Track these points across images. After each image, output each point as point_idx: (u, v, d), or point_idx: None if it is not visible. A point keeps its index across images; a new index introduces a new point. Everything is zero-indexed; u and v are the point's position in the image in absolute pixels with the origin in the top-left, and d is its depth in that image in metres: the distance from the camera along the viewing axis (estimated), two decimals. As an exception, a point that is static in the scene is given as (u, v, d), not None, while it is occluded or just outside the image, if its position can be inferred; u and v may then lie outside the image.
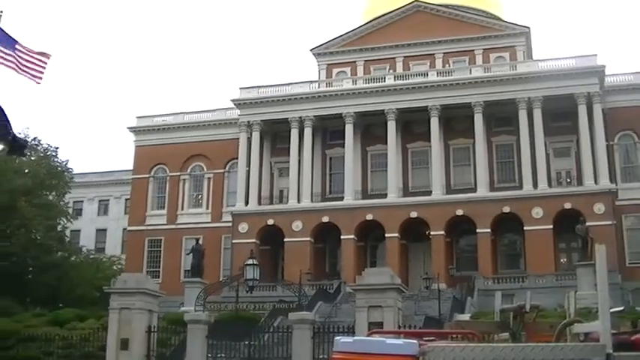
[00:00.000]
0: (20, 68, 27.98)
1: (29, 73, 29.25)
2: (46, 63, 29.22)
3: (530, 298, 21.35)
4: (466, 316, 57.55)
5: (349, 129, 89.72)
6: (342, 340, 11.72)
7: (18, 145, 31.04)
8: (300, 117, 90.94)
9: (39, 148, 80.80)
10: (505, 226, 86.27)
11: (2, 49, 25.08)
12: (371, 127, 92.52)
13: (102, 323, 43.68)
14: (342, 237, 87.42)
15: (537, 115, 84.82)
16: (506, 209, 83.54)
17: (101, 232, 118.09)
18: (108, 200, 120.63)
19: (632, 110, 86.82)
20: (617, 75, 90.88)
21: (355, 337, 13.36)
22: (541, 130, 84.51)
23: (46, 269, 71.27)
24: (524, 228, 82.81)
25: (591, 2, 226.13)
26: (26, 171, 75.63)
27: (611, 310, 14.77)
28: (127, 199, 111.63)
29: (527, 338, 19.96)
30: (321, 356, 36.45)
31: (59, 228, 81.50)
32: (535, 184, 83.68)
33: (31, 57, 28.40)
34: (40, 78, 29.86)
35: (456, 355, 8.35)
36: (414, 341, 11.69)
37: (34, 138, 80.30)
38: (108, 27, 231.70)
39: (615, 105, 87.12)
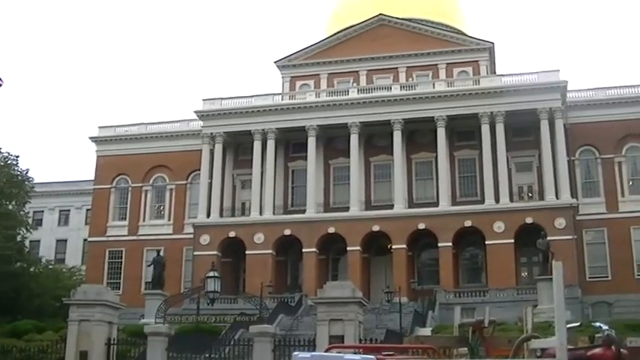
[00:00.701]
0: None
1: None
2: None
3: (489, 312, 21.47)
4: (427, 330, 57.65)
5: (312, 142, 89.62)
6: (299, 356, 11.70)
7: None
8: (263, 129, 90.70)
9: (-1, 156, 79.92)
10: (467, 240, 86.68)
11: None
12: (334, 140, 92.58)
13: (61, 335, 43.41)
14: (303, 250, 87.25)
15: (500, 129, 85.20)
16: (468, 223, 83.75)
17: (61, 243, 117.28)
18: (69, 210, 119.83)
19: (593, 126, 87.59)
20: (578, 91, 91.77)
21: (313, 353, 13.39)
22: (503, 145, 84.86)
23: (5, 280, 70.43)
24: (486, 242, 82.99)
25: (555, 19, 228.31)
26: (-15, 180, 74.81)
27: (568, 326, 14.91)
28: (88, 210, 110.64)
29: (486, 353, 20.07)
30: (281, 369, 36.49)
31: (18, 238, 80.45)
32: (497, 199, 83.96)
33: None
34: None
35: (413, 369, 8.38)
36: (372, 356, 11.70)
37: (-6, 146, 79.56)
38: (71, 36, 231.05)
39: (577, 120, 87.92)
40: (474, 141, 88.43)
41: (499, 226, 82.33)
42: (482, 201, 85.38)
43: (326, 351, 14.57)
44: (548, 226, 79.27)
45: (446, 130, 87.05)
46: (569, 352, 12.89)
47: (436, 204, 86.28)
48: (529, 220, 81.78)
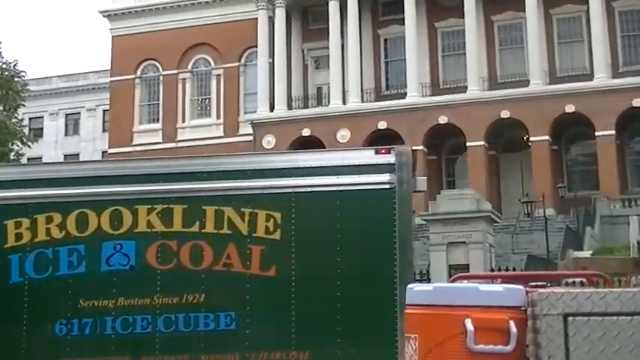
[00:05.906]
0: None
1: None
2: None
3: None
4: (586, 253, 56.79)
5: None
6: (415, 289, 11.33)
7: None
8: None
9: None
10: (636, 126, 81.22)
11: None
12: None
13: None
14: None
15: (673, -28, 79.40)
16: (637, 102, 77.50)
17: (72, 158, 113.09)
18: (78, 114, 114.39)
19: None
20: None
21: (435, 285, 13.09)
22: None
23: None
24: (665, 129, 77.71)
25: None
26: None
27: None
28: (105, 111, 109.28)
29: (675, 281, 19.74)
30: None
31: (12, 155, 79.33)
32: (677, 67, 77.29)
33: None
34: None
35: (580, 304, 7.92)
36: (520, 287, 11.35)
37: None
38: None
39: None
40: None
41: (682, 106, 75.43)
42: (654, 71, 77.21)
43: (451, 282, 14.25)
44: None
45: (598, -26, 78.00)
46: None
47: (590, 77, 79.11)
48: None
